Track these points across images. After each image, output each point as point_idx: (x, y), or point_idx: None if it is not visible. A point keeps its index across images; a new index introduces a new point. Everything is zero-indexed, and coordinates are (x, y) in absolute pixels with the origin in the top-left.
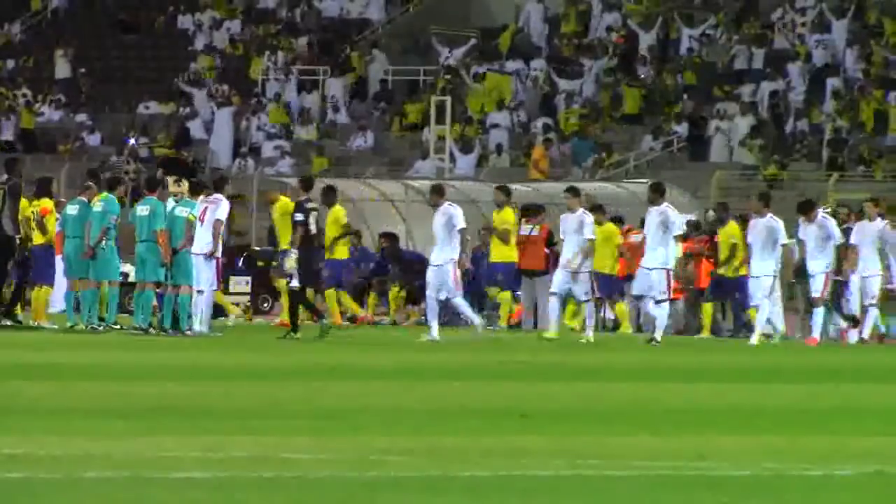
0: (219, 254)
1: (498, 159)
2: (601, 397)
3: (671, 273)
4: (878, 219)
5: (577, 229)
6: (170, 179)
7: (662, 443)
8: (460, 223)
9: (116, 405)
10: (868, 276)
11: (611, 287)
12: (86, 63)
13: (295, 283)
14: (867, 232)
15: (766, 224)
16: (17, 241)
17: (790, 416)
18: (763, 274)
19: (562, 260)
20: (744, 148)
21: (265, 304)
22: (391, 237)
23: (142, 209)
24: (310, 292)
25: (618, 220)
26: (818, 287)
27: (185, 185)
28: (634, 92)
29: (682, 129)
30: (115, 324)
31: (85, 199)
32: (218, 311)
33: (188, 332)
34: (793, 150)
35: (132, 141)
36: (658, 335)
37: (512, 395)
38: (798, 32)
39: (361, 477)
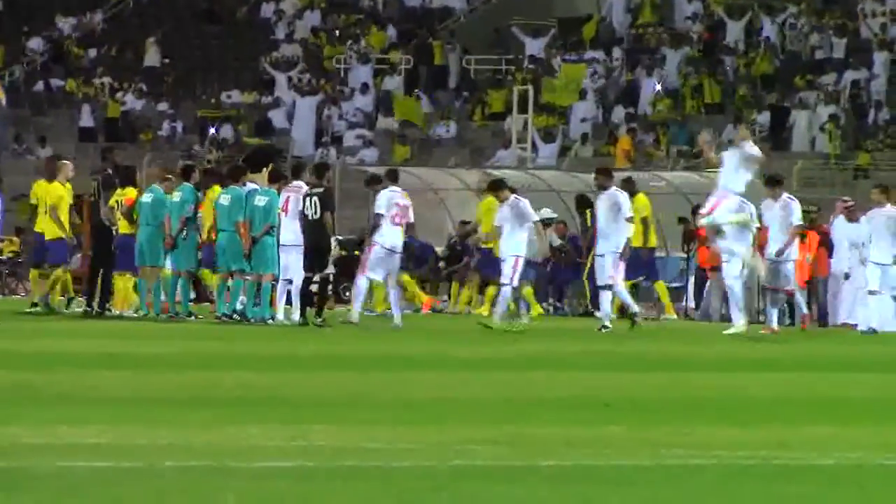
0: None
1: (582, 148)
2: (683, 387)
3: (621, 257)
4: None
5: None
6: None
7: (744, 432)
8: (377, 209)
9: (198, 394)
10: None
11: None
12: (168, 52)
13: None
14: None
15: (783, 205)
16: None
17: (872, 404)
18: (790, 258)
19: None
20: (824, 136)
21: (347, 293)
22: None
23: (223, 198)
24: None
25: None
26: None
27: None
28: (716, 81)
29: (764, 118)
30: (190, 314)
31: (161, 188)
32: None
33: (270, 321)
34: (875, 139)
35: (213, 130)
36: (607, 321)
37: (593, 385)
38: (880, 22)
39: (444, 466)
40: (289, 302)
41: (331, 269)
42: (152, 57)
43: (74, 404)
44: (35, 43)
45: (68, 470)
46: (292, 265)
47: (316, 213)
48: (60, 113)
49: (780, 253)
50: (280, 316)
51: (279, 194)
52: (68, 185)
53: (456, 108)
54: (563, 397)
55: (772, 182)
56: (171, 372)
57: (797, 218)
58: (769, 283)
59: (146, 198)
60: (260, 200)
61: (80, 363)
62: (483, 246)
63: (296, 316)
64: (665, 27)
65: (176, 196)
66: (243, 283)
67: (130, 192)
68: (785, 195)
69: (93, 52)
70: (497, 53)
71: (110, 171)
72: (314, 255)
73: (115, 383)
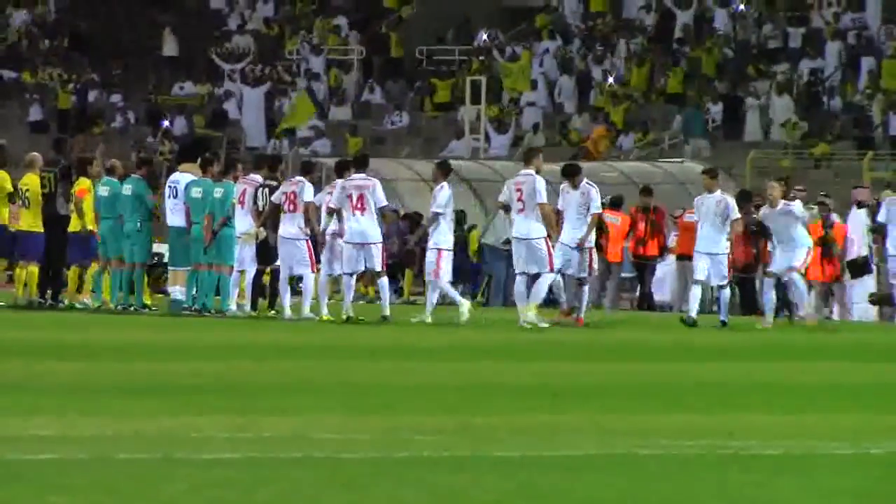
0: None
1: (534, 138)
2: (632, 376)
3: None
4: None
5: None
6: None
7: (693, 421)
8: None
9: (148, 385)
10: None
11: None
12: (119, 43)
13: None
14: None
15: (582, 191)
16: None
17: (820, 393)
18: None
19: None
20: (783, 128)
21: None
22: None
23: (195, 191)
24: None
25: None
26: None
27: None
28: (676, 71)
29: (717, 108)
30: (144, 306)
31: (115, 179)
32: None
33: (227, 313)
34: (827, 129)
35: (166, 122)
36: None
37: (542, 374)
38: (833, 11)
39: (391, 456)
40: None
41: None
42: (170, 46)
43: (24, 395)
44: None
45: (17, 461)
46: (246, 257)
47: (268, 205)
48: (12, 104)
49: (581, 242)
50: (233, 307)
51: (233, 185)
52: (32, 176)
53: (408, 99)
54: (511, 386)
55: (569, 172)
56: (121, 362)
57: (596, 206)
58: (564, 270)
59: (103, 191)
60: (217, 193)
61: (30, 353)
62: None
63: (248, 307)
64: (617, 17)
65: (126, 189)
66: (202, 275)
67: (84, 184)
68: (585, 182)
69: (45, 44)
70: (450, 43)
71: (65, 163)
72: (266, 247)
73: (64, 374)
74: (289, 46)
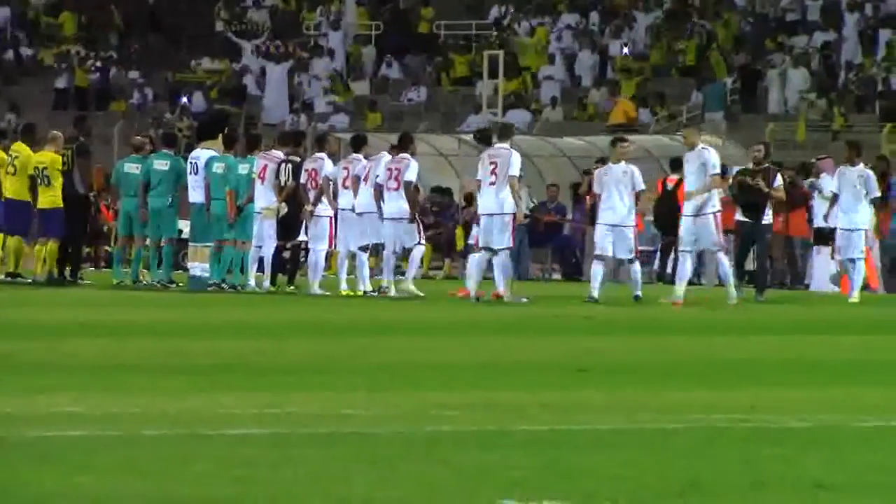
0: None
1: (552, 112)
2: (658, 351)
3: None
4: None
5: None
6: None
7: (718, 395)
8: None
9: (173, 362)
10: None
11: None
12: (133, 20)
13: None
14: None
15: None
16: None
17: (845, 367)
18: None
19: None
20: (804, 102)
21: None
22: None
23: (217, 166)
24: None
25: None
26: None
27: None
28: (691, 45)
29: (731, 81)
30: (171, 282)
31: (140, 156)
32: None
33: (246, 289)
34: (845, 101)
35: (185, 99)
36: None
37: (569, 350)
38: None
39: (419, 432)
40: (260, 269)
41: (303, 237)
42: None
43: (49, 373)
44: (2, 12)
45: (43, 439)
46: (265, 233)
47: (289, 180)
48: (31, 82)
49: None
50: (251, 283)
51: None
52: (47, 153)
53: (426, 74)
54: (538, 362)
55: (486, 139)
56: (146, 340)
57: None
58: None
59: (129, 168)
60: (242, 168)
61: (55, 332)
62: None
63: (267, 283)
64: None
65: (163, 164)
66: (225, 250)
67: None
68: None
69: (62, 21)
70: (467, 18)
71: (84, 140)
72: (286, 223)
73: (90, 352)
74: (306, 21)
